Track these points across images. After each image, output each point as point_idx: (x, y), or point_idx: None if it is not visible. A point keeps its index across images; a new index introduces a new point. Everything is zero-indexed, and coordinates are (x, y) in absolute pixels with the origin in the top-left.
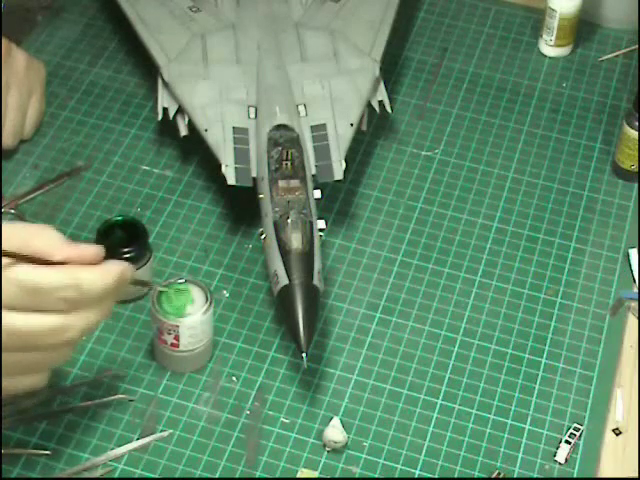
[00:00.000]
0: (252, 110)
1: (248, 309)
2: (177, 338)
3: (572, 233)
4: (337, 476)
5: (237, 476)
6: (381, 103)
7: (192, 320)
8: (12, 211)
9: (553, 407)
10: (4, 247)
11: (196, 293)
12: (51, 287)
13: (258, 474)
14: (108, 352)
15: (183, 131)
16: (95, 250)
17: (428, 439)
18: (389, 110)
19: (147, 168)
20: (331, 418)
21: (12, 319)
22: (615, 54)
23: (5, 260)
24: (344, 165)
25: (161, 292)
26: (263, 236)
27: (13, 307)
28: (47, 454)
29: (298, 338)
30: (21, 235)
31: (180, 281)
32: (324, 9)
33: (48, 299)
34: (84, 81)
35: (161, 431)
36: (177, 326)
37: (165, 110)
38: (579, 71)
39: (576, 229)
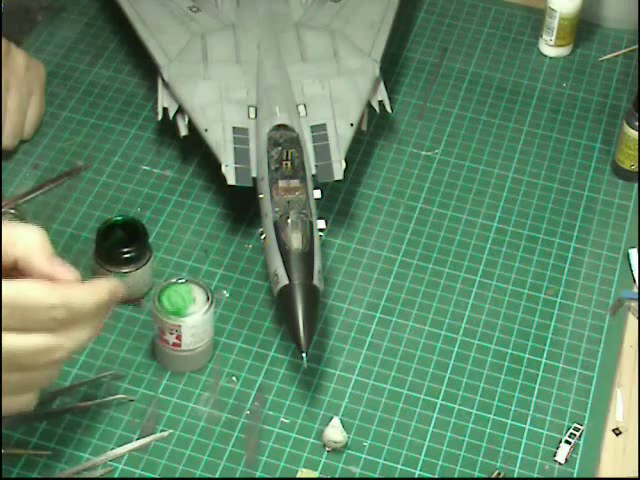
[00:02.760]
0: (252, 110)
1: (248, 309)
2: (179, 338)
3: (572, 233)
4: (337, 476)
5: (237, 476)
6: (381, 103)
7: (194, 319)
8: (12, 211)
9: (553, 407)
10: None
11: (197, 293)
12: (41, 306)
13: (258, 474)
14: (108, 352)
15: (183, 131)
16: (74, 276)
17: (428, 439)
18: (389, 110)
19: (147, 168)
20: (331, 418)
21: (1, 339)
22: (615, 54)
23: None
24: (344, 165)
25: (162, 292)
26: (263, 236)
27: (2, 327)
28: (47, 454)
29: (298, 338)
30: (5, 238)
31: (181, 281)
32: (324, 9)
33: (38, 319)
34: (84, 81)
35: (161, 431)
36: (179, 326)
37: (165, 110)
38: (579, 71)
39: (576, 229)
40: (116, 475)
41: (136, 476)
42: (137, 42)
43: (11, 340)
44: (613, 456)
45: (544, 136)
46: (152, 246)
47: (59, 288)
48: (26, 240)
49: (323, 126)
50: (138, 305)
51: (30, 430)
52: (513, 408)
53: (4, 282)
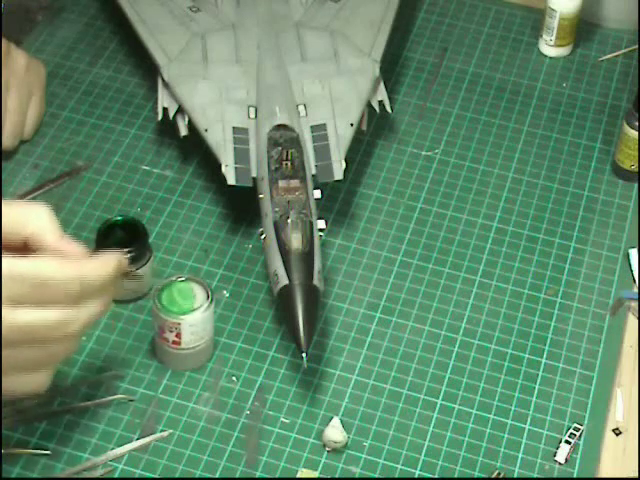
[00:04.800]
0: (252, 110)
1: (248, 309)
2: (178, 336)
3: (572, 233)
4: (337, 476)
5: (237, 476)
6: (381, 103)
7: (193, 317)
8: None
9: (553, 407)
10: (3, 226)
11: (197, 290)
12: (56, 282)
13: (258, 474)
14: (108, 352)
15: (183, 131)
16: (82, 252)
17: (428, 439)
18: (389, 110)
19: (147, 168)
20: (331, 418)
21: (18, 314)
22: (615, 54)
23: (7, 255)
24: (344, 165)
25: (162, 290)
26: (263, 236)
27: (18, 302)
28: (47, 454)
29: (298, 338)
30: (16, 218)
31: (181, 279)
32: (324, 9)
33: (52, 294)
34: (84, 81)
35: (161, 431)
36: (178, 324)
37: (165, 110)
38: (579, 71)
39: (576, 229)
40: (116, 475)
41: (136, 476)
42: (137, 42)
43: (28, 315)
44: (613, 456)
45: (544, 136)
46: (152, 246)
47: (72, 263)
48: (37, 219)
49: (323, 126)
50: (134, 276)
51: (30, 430)
52: (513, 408)
53: (20, 259)
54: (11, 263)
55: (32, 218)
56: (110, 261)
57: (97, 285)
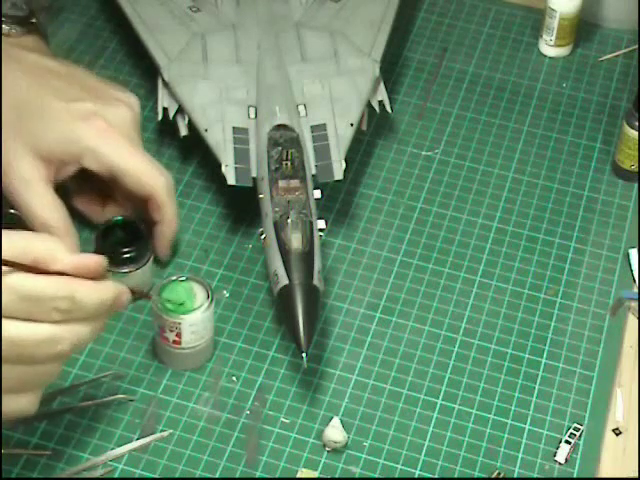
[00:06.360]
0: (252, 110)
1: (248, 309)
2: (179, 335)
3: (572, 233)
4: (337, 476)
5: (237, 476)
6: (381, 103)
7: (194, 317)
8: (12, 211)
9: (553, 407)
10: (3, 256)
11: (197, 290)
12: (45, 296)
13: (258, 474)
14: (108, 352)
15: (183, 131)
16: (97, 259)
17: (428, 439)
18: (389, 110)
19: None
20: (331, 418)
21: (6, 327)
22: (615, 54)
23: (2, 268)
24: (344, 165)
25: (162, 290)
26: (263, 236)
27: (6, 314)
28: (47, 454)
29: (298, 338)
30: (21, 243)
31: (181, 278)
32: (324, 9)
33: (42, 308)
34: None
35: (161, 431)
36: (179, 323)
37: (165, 110)
38: (579, 71)
39: (576, 229)
40: (116, 475)
41: (136, 476)
42: (137, 42)
43: (15, 328)
44: (613, 456)
45: (544, 136)
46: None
47: (65, 279)
48: (44, 241)
49: (323, 126)
50: (148, 298)
51: (30, 430)
52: (513, 408)
53: (12, 271)
54: (4, 274)
55: (38, 241)
56: (109, 288)
57: (89, 307)
